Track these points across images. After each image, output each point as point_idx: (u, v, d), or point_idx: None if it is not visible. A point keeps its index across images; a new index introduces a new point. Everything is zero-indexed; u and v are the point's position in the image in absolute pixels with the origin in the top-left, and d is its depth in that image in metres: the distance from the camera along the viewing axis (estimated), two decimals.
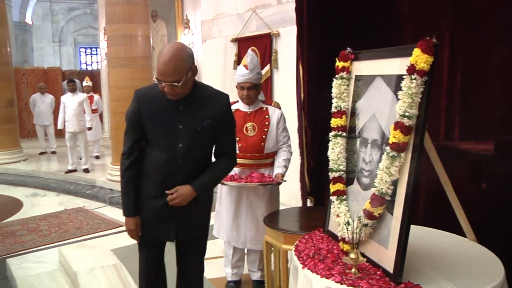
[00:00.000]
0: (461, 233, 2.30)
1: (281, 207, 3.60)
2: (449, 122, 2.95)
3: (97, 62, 22.78)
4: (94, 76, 13.81)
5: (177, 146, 2.44)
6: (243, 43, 5.31)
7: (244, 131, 3.37)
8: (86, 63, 23.81)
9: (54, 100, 11.02)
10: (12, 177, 9.14)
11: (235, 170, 3.36)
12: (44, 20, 22.27)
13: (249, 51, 3.42)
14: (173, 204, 2.43)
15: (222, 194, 3.54)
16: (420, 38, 1.76)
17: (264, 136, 3.37)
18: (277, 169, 3.35)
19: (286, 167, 3.38)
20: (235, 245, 3.52)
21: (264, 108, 3.44)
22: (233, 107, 3.28)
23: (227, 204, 3.49)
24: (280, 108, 3.50)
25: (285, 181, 3.29)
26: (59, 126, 8.86)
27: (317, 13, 3.54)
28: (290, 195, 4.38)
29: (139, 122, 2.47)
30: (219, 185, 3.39)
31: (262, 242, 3.28)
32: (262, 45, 4.98)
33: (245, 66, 3.32)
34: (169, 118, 2.43)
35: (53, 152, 11.10)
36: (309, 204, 3.86)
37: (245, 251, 3.62)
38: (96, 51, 22.53)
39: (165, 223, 2.55)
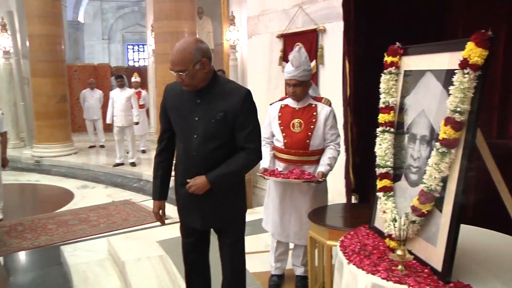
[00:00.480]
0: None
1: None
2: (502, 120, 2.87)
3: (143, 58, 23.27)
4: (141, 72, 14.12)
5: (193, 137, 2.56)
6: (288, 39, 5.30)
7: (291, 127, 3.34)
8: (133, 59, 24.36)
9: (103, 95, 11.35)
10: (64, 169, 9.47)
11: (280, 165, 3.39)
12: (95, 19, 22.99)
13: (295, 47, 3.36)
14: (191, 192, 2.55)
15: (270, 187, 3.55)
16: (473, 32, 1.72)
17: (310, 134, 3.31)
18: (320, 167, 3.29)
19: (331, 165, 3.31)
20: (279, 239, 3.52)
21: (313, 105, 3.37)
22: (283, 103, 3.45)
23: (274, 197, 3.49)
24: (330, 105, 3.41)
25: (324, 179, 3.25)
26: (108, 121, 9.13)
27: (364, 8, 3.51)
28: (335, 192, 4.36)
29: (166, 114, 2.69)
30: (275, 180, 3.41)
31: (305, 237, 3.27)
32: (307, 41, 4.97)
33: (291, 63, 3.28)
34: (188, 110, 2.58)
35: (102, 146, 11.42)
36: (353, 201, 3.84)
37: (289, 246, 3.61)
38: (143, 48, 23.03)
39: (190, 211, 2.69)
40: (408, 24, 3.33)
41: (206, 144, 2.55)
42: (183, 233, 2.82)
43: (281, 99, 3.51)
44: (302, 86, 3.31)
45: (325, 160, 3.31)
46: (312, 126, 3.31)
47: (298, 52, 3.28)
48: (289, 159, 3.37)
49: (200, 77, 2.49)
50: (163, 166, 2.74)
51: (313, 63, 4.92)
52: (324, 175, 3.26)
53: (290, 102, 3.42)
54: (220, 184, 2.58)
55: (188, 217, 2.71)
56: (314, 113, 3.34)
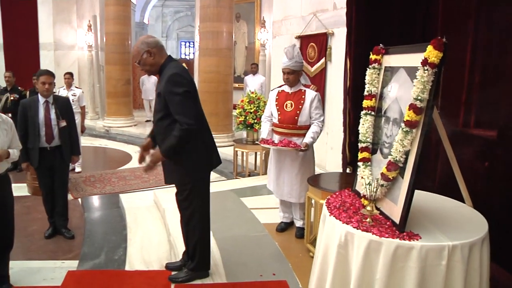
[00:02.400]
0: (463, 200, 2.26)
1: (323, 172, 3.63)
2: (466, 113, 2.86)
3: (193, 53, 23.36)
4: (190, 63, 14.19)
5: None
6: (304, 40, 5.29)
7: (284, 107, 3.47)
8: (185, 53, 24.43)
9: (157, 81, 11.46)
10: (126, 137, 9.66)
11: (275, 137, 3.53)
12: (157, 20, 23.10)
13: (290, 45, 3.48)
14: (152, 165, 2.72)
15: (271, 155, 3.66)
16: (447, 38, 1.73)
17: (298, 112, 3.41)
18: (305, 139, 3.38)
19: (314, 138, 3.40)
20: (276, 196, 3.68)
21: (303, 90, 3.47)
22: (281, 89, 3.58)
23: (273, 162, 3.62)
24: (317, 91, 3.51)
25: (307, 149, 3.33)
26: None
27: (363, 16, 3.49)
28: (334, 164, 4.40)
29: None
30: (268, 147, 3.52)
31: (295, 196, 3.51)
32: (319, 42, 4.94)
33: (286, 55, 3.40)
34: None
35: (148, 121, 11.52)
36: (348, 171, 3.87)
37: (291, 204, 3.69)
38: (193, 44, 23.10)
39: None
40: (397, 30, 3.30)
41: (155, 115, 2.75)
42: None
43: (279, 86, 3.62)
44: (294, 75, 3.42)
45: (309, 134, 3.41)
46: (300, 106, 3.42)
47: (292, 48, 3.41)
48: (282, 132, 3.49)
49: (149, 62, 2.68)
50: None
51: (322, 60, 4.92)
52: (307, 145, 3.35)
53: (285, 88, 3.53)
54: (169, 154, 2.63)
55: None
56: (303, 96, 3.44)
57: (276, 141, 3.46)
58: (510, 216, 2.38)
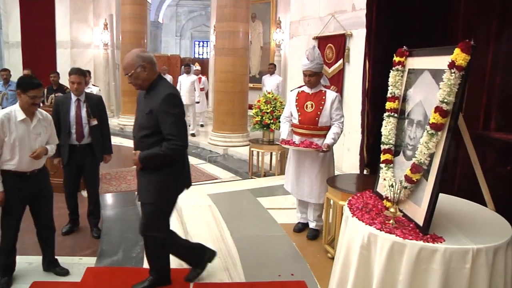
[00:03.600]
0: (485, 204, 2.26)
1: (339, 173, 3.64)
2: (486, 116, 2.85)
3: (206, 52, 23.47)
4: (204, 63, 14.28)
5: (135, 125, 2.73)
6: (322, 41, 5.30)
7: (305, 108, 3.47)
8: (198, 53, 24.58)
9: (172, 79, 11.54)
10: None
11: (296, 138, 3.51)
12: (171, 20, 23.31)
13: (310, 47, 3.49)
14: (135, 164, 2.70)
15: (290, 155, 3.66)
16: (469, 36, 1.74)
17: (318, 113, 3.42)
18: (326, 140, 3.38)
19: (335, 139, 3.40)
20: (295, 197, 3.68)
21: (323, 91, 3.48)
22: (301, 89, 3.58)
23: (292, 163, 3.62)
24: (336, 92, 3.52)
25: (328, 150, 3.34)
26: None
27: (383, 18, 3.50)
28: (351, 165, 4.41)
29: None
30: (289, 148, 3.53)
31: (315, 196, 3.50)
32: (337, 43, 4.95)
33: (307, 57, 3.39)
34: (140, 104, 2.75)
35: None
36: (365, 173, 3.87)
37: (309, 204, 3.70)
38: (207, 43, 23.21)
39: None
40: (418, 32, 3.30)
41: (139, 131, 2.69)
42: None
43: (299, 87, 3.62)
44: (315, 76, 3.43)
45: (330, 135, 3.41)
46: (321, 107, 3.42)
47: (313, 49, 3.42)
48: (302, 133, 3.49)
49: (142, 77, 2.62)
50: None
51: (340, 61, 4.93)
52: (329, 146, 3.35)
53: (305, 89, 3.53)
54: (146, 162, 2.62)
55: None
56: (323, 97, 3.44)
57: (297, 142, 3.47)
58: None
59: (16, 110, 2.94)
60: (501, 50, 2.75)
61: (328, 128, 3.47)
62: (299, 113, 3.50)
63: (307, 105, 3.47)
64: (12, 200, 2.94)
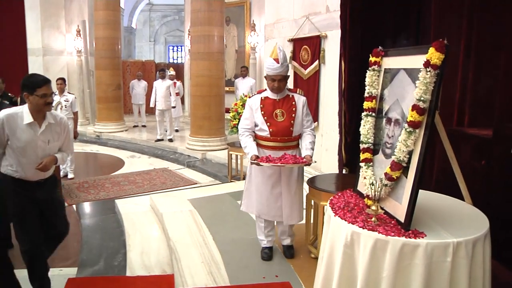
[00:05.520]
0: (462, 198, 2.31)
1: (318, 173, 3.63)
2: (460, 113, 2.92)
3: (181, 57, 23.30)
4: (179, 67, 14.16)
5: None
6: (297, 43, 5.32)
7: (274, 117, 2.99)
8: (173, 57, 24.36)
9: (147, 85, 11.40)
10: (117, 142, 9.57)
11: (264, 152, 3.02)
12: (144, 25, 23.02)
13: (279, 46, 3.00)
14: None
15: (252, 173, 3.17)
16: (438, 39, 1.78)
17: (292, 122, 2.99)
18: (307, 151, 2.97)
19: (313, 149, 3.03)
20: (267, 218, 3.18)
21: (291, 96, 3.05)
22: (263, 95, 3.07)
23: (259, 182, 3.12)
24: (303, 95, 3.10)
25: (315, 162, 3.00)
26: (151, 105, 9.26)
27: (357, 19, 3.55)
28: (330, 165, 4.43)
29: None
30: (249, 164, 3.05)
31: (296, 216, 3.14)
32: (312, 45, 4.98)
33: (276, 60, 2.92)
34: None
35: (144, 126, 11.39)
36: (344, 172, 3.90)
37: (275, 222, 3.30)
38: (181, 48, 23.05)
39: None
40: (391, 31, 3.36)
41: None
42: None
43: (259, 92, 3.13)
44: (285, 81, 3.02)
45: (307, 144, 3.01)
46: (293, 115, 3.00)
47: (282, 50, 2.98)
48: (276, 146, 3.02)
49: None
50: None
51: (316, 63, 4.96)
52: (311, 157, 2.97)
53: (269, 94, 3.05)
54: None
55: None
56: (293, 103, 3.03)
57: (267, 156, 2.93)
58: (507, 212, 2.43)
59: (23, 112, 2.62)
60: (471, 49, 2.82)
61: (299, 137, 3.09)
62: (268, 123, 2.99)
63: (276, 114, 2.99)
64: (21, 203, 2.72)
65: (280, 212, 3.12)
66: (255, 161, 2.86)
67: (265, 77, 3.07)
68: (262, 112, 3.01)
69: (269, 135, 3.01)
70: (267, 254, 3.24)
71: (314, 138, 3.09)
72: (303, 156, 2.97)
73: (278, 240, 3.40)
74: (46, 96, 2.63)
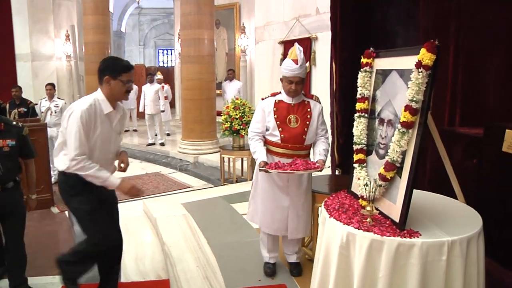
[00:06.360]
0: (455, 196, 2.33)
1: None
2: (451, 112, 2.95)
3: (171, 60, 23.24)
4: (169, 71, 14.13)
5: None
6: (288, 45, 5.35)
7: (287, 123, 2.80)
8: (163, 61, 24.30)
9: (138, 89, 11.34)
10: None
11: (273, 159, 2.80)
12: (134, 29, 22.93)
13: (297, 45, 2.81)
14: None
15: (258, 180, 2.94)
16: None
17: (306, 129, 2.80)
18: (319, 156, 2.78)
19: (326, 156, 2.84)
20: (269, 232, 2.95)
21: (306, 102, 2.86)
22: (277, 98, 2.87)
23: (265, 191, 2.90)
24: (320, 102, 2.92)
25: (328, 166, 2.83)
26: (140, 109, 9.26)
27: (347, 21, 3.58)
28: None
29: None
30: (255, 170, 2.90)
31: (302, 230, 2.91)
32: (303, 47, 4.94)
33: (295, 60, 2.73)
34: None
35: (135, 130, 11.36)
36: (337, 173, 3.92)
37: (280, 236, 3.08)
38: (171, 52, 22.99)
39: None
40: (382, 33, 3.39)
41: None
42: None
43: (273, 95, 2.92)
44: (303, 84, 2.82)
45: (320, 151, 2.83)
46: (307, 122, 2.81)
47: (301, 51, 2.79)
48: (285, 153, 2.82)
49: None
50: None
51: (307, 64, 4.98)
52: (324, 162, 2.76)
53: (284, 97, 2.86)
54: None
55: None
56: (309, 110, 2.83)
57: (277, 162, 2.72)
58: (499, 210, 2.46)
59: (99, 100, 2.32)
60: (461, 50, 2.85)
61: (310, 147, 2.90)
62: (280, 129, 2.78)
63: (290, 119, 2.79)
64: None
65: (285, 225, 2.88)
66: (263, 168, 2.66)
67: (280, 79, 2.86)
68: (275, 116, 2.81)
69: (279, 141, 2.81)
70: (271, 269, 3.01)
71: (329, 146, 2.92)
72: (315, 160, 2.76)
73: (283, 255, 3.15)
74: (129, 83, 2.41)
